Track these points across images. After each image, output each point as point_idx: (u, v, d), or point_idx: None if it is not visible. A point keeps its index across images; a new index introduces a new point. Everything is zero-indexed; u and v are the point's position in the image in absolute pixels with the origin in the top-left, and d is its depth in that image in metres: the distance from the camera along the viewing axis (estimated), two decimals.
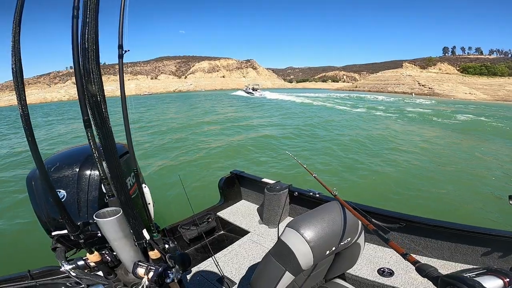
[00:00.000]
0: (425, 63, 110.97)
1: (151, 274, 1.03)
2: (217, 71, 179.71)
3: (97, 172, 1.29)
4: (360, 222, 1.21)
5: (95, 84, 0.75)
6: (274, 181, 3.21)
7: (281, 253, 1.09)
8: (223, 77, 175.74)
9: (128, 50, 1.35)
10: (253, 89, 62.73)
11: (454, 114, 23.63)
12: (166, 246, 1.26)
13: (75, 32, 0.84)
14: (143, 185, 1.64)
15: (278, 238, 1.12)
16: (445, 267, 2.18)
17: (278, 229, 2.83)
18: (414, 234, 2.40)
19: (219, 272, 2.11)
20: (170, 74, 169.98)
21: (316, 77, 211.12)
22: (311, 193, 2.90)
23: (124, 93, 1.19)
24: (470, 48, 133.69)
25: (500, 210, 4.95)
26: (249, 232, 2.98)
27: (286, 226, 1.11)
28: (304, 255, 1.05)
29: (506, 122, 19.40)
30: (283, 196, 2.98)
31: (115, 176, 0.85)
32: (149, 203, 1.59)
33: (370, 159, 8.73)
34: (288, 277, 1.10)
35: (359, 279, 2.13)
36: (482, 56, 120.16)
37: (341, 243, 1.16)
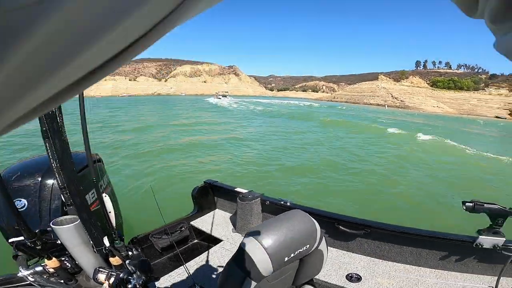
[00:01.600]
0: (398, 76, 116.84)
1: (112, 279, 1.07)
2: (199, 75, 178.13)
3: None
4: (319, 230, 1.26)
5: None
6: (247, 191, 3.27)
7: (240, 260, 1.14)
8: (205, 82, 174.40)
9: None
10: (223, 96, 78.93)
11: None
12: (130, 253, 1.30)
13: None
14: (103, 194, 1.66)
15: (239, 246, 1.17)
16: (409, 271, 2.30)
17: None
18: (378, 240, 2.52)
19: (190, 280, 2.12)
20: (150, 77, 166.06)
21: (296, 86, 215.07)
22: (282, 202, 2.97)
23: (84, 106, 1.18)
24: (440, 62, 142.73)
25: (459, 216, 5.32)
26: (222, 240, 3.01)
27: (245, 234, 1.16)
28: (262, 261, 1.11)
29: None
30: (255, 205, 3.06)
31: (68, 185, 0.89)
32: (109, 212, 1.61)
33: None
34: (249, 284, 1.14)
35: (328, 285, 2.20)
36: (451, 71, 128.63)
37: (300, 250, 1.21)
